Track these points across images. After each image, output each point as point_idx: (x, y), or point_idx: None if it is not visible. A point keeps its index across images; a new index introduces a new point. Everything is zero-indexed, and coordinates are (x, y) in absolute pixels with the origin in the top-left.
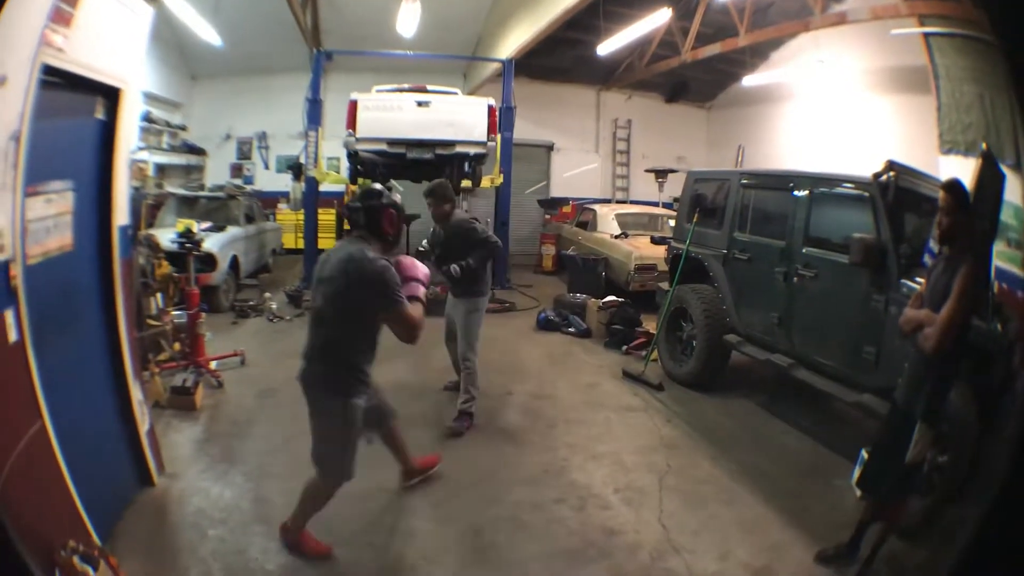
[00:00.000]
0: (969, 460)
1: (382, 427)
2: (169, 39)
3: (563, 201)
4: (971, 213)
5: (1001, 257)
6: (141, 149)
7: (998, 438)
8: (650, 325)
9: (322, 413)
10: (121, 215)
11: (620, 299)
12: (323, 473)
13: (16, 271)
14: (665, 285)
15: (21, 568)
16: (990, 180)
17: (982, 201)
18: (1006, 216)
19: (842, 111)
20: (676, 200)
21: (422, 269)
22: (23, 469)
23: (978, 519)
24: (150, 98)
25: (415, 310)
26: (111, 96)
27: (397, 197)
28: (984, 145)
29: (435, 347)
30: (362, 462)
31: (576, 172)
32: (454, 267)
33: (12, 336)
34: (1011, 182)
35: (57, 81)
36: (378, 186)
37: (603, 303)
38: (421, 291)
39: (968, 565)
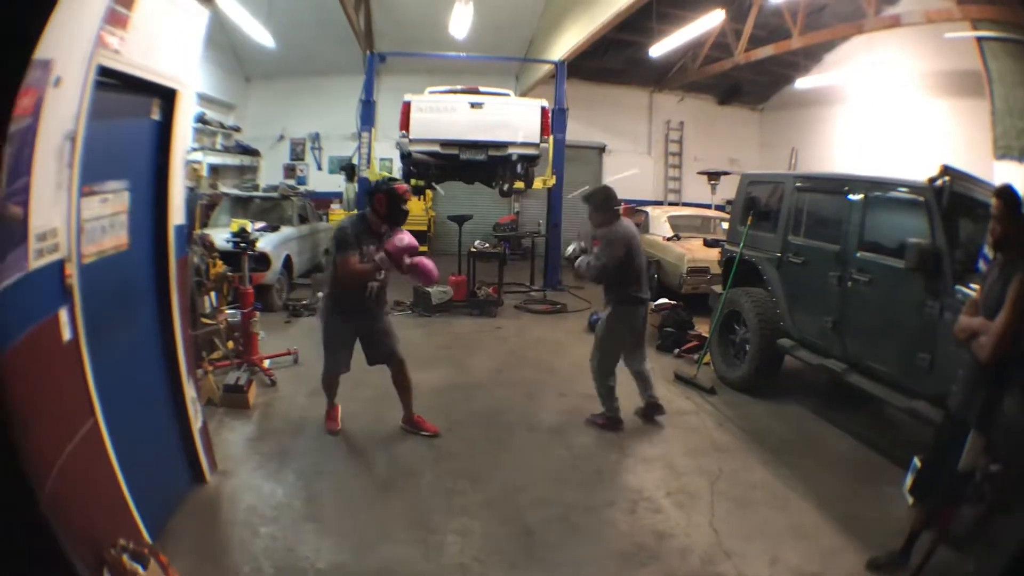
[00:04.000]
0: (1021, 470)
1: (381, 356)
2: (223, 41)
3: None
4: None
5: None
6: (195, 150)
7: None
8: (702, 328)
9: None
10: (177, 215)
11: (672, 301)
12: (324, 365)
13: (71, 270)
14: (718, 288)
15: (67, 566)
16: None
17: None
18: None
19: (896, 114)
20: (729, 203)
21: (398, 244)
22: (74, 467)
23: None
24: (204, 100)
25: (359, 265)
26: (167, 97)
27: (402, 187)
28: None
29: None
30: (411, 463)
31: (625, 175)
32: (572, 247)
33: (66, 334)
34: None
35: (113, 82)
36: (391, 176)
37: (655, 305)
38: (379, 256)
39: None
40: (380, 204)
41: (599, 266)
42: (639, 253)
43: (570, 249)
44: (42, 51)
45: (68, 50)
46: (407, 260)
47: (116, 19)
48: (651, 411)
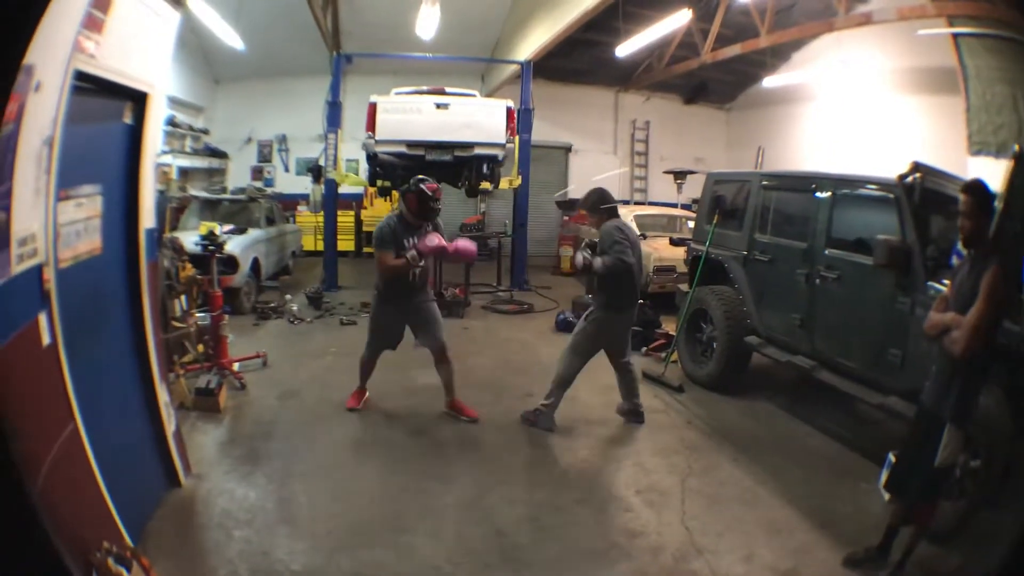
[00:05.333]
0: (1004, 464)
1: (426, 342)
2: (193, 43)
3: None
4: (1000, 214)
5: None
6: (165, 153)
7: None
8: (669, 327)
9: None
10: (148, 218)
11: (639, 300)
12: (366, 348)
13: (49, 275)
14: (685, 286)
15: (61, 569)
16: (1023, 182)
17: (1015, 202)
18: None
19: (866, 112)
20: (695, 201)
21: (428, 244)
22: (59, 471)
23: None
24: (174, 102)
25: (392, 261)
26: (138, 101)
27: (431, 185)
28: (1017, 147)
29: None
30: (382, 465)
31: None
32: (580, 255)
33: (45, 339)
34: None
35: (88, 86)
36: (421, 177)
37: None
38: (410, 254)
39: (1012, 571)
40: (412, 203)
41: (620, 262)
42: (635, 251)
43: (579, 259)
44: (27, 57)
45: (48, 55)
46: (450, 247)
47: (93, 23)
48: (632, 416)
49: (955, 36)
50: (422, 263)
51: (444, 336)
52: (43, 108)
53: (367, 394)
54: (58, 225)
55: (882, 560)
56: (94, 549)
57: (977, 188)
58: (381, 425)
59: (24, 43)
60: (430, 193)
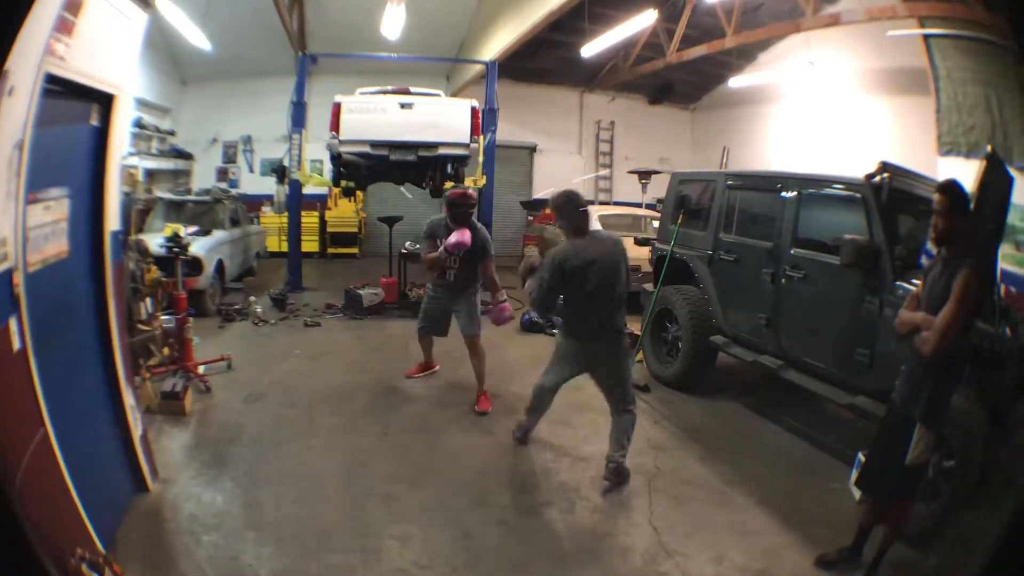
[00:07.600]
0: (979, 465)
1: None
2: (160, 44)
3: (546, 202)
4: (971, 215)
5: (1008, 260)
6: (131, 155)
7: (1013, 443)
8: (634, 326)
9: None
10: (113, 221)
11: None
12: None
13: (18, 279)
14: (649, 286)
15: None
16: (996, 182)
17: (987, 203)
18: (1013, 219)
19: (833, 113)
20: (659, 201)
21: (448, 240)
22: (31, 477)
23: (1004, 526)
24: (141, 104)
25: (424, 254)
26: (105, 102)
27: (455, 191)
28: (989, 147)
29: None
30: (348, 469)
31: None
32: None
33: (15, 344)
34: (1019, 184)
35: (57, 89)
36: (464, 186)
37: None
38: (440, 250)
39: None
40: (445, 207)
41: (531, 293)
42: (590, 276)
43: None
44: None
45: (21, 59)
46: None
47: (64, 26)
48: (610, 475)
49: (926, 37)
50: (452, 261)
51: (477, 328)
52: (14, 112)
53: (436, 366)
54: (27, 229)
55: (855, 560)
56: (69, 555)
57: (952, 188)
58: (346, 429)
59: (5, 49)
60: (452, 198)
